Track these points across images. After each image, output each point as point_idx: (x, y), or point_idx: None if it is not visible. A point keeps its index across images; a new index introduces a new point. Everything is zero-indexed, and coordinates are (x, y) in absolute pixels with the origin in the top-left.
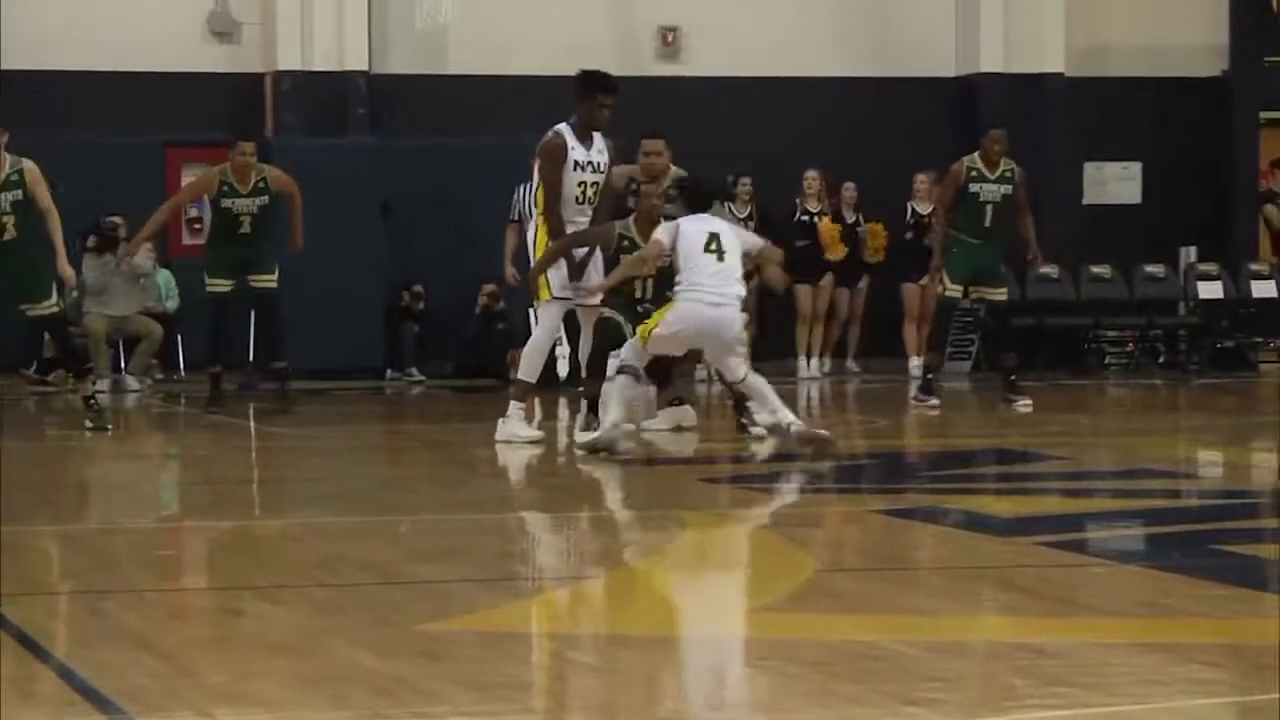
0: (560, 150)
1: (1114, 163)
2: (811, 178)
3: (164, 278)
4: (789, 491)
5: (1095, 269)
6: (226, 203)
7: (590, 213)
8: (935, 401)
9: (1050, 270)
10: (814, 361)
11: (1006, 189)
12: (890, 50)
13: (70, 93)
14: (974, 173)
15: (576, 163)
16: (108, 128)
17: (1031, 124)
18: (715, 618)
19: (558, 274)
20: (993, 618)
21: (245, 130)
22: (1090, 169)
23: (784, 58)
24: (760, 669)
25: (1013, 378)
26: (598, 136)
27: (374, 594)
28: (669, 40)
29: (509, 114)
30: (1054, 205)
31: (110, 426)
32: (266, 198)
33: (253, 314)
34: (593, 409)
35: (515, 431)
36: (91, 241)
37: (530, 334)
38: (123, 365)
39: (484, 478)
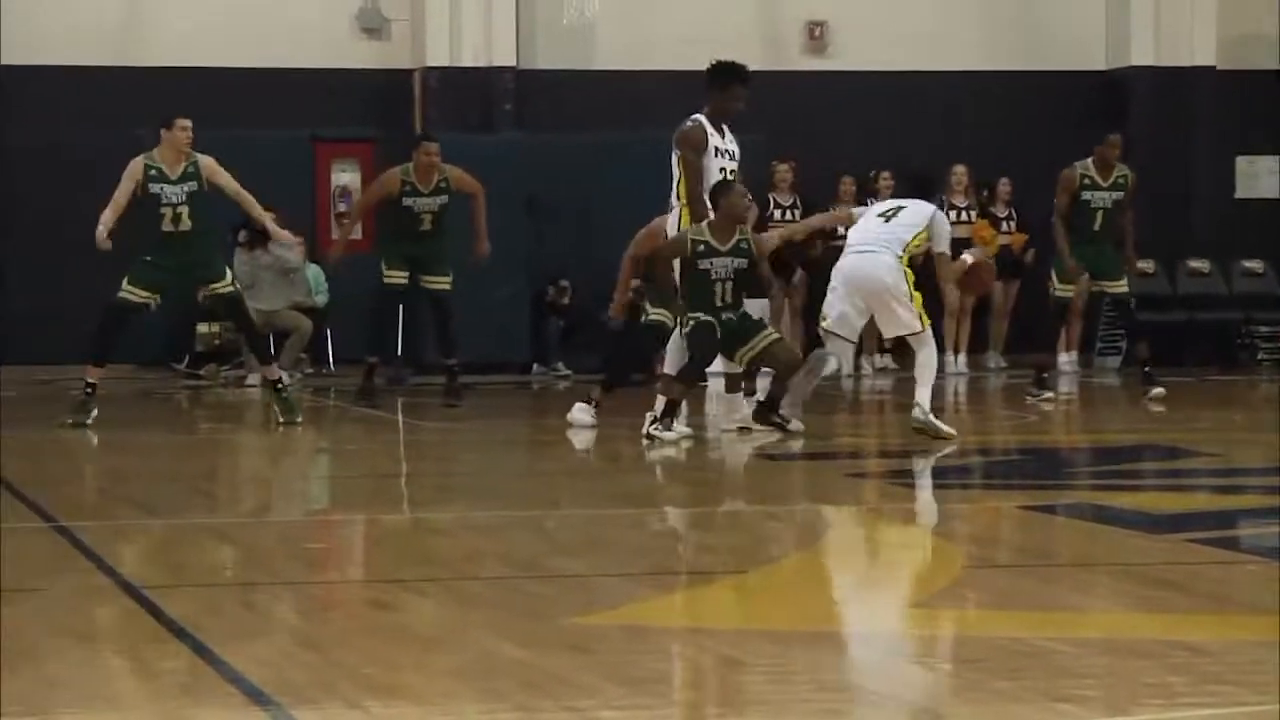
0: (703, 138)
1: (1267, 157)
2: (959, 173)
3: (313, 273)
4: (936, 487)
5: (1247, 264)
6: (409, 201)
7: None
8: (1049, 395)
9: (1201, 265)
10: (960, 357)
11: (1119, 195)
12: (1038, 44)
13: (220, 89)
14: (1087, 180)
15: (717, 149)
16: (257, 123)
17: (1182, 118)
18: (864, 613)
19: None
20: (1145, 615)
21: (428, 131)
22: (1243, 163)
23: (930, 52)
24: (911, 665)
25: (1146, 369)
26: (726, 127)
27: (521, 588)
28: (816, 34)
29: (654, 109)
30: (1205, 200)
31: (300, 419)
32: (446, 197)
33: (430, 312)
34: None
35: (659, 427)
36: (243, 237)
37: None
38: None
39: (629, 472)
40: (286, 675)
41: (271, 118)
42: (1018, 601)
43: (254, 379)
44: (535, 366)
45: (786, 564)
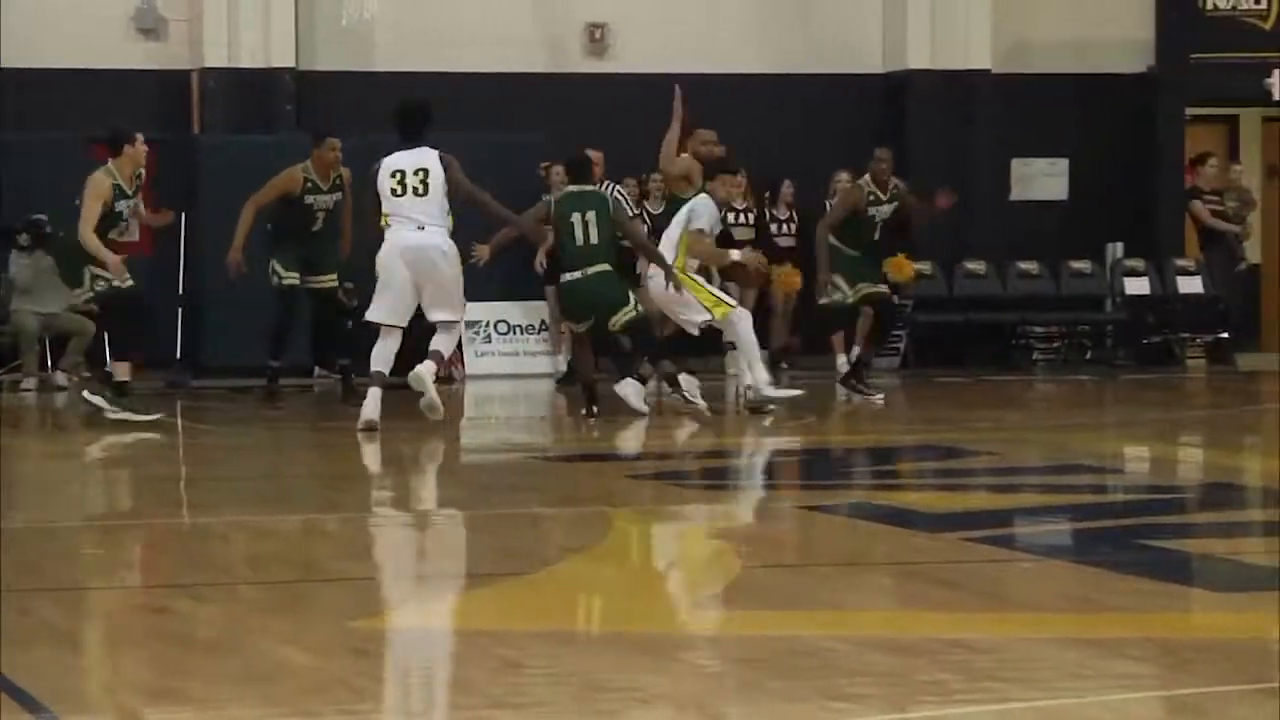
0: None
1: (1040, 159)
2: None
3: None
4: (715, 487)
5: (1022, 265)
6: (309, 199)
7: None
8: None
9: (977, 266)
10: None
11: (894, 206)
12: (818, 47)
13: None
14: (871, 196)
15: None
16: (34, 125)
17: (958, 121)
18: (642, 614)
19: None
20: (921, 613)
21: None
22: (1017, 165)
23: (711, 54)
24: (686, 665)
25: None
26: None
27: (301, 591)
28: (596, 36)
29: (438, 111)
30: (981, 202)
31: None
32: (340, 194)
33: (314, 312)
34: None
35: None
36: (24, 240)
37: None
38: (49, 363)
39: (410, 474)
40: (62, 683)
41: (49, 119)
42: (795, 601)
43: (29, 383)
44: (316, 370)
45: (565, 565)
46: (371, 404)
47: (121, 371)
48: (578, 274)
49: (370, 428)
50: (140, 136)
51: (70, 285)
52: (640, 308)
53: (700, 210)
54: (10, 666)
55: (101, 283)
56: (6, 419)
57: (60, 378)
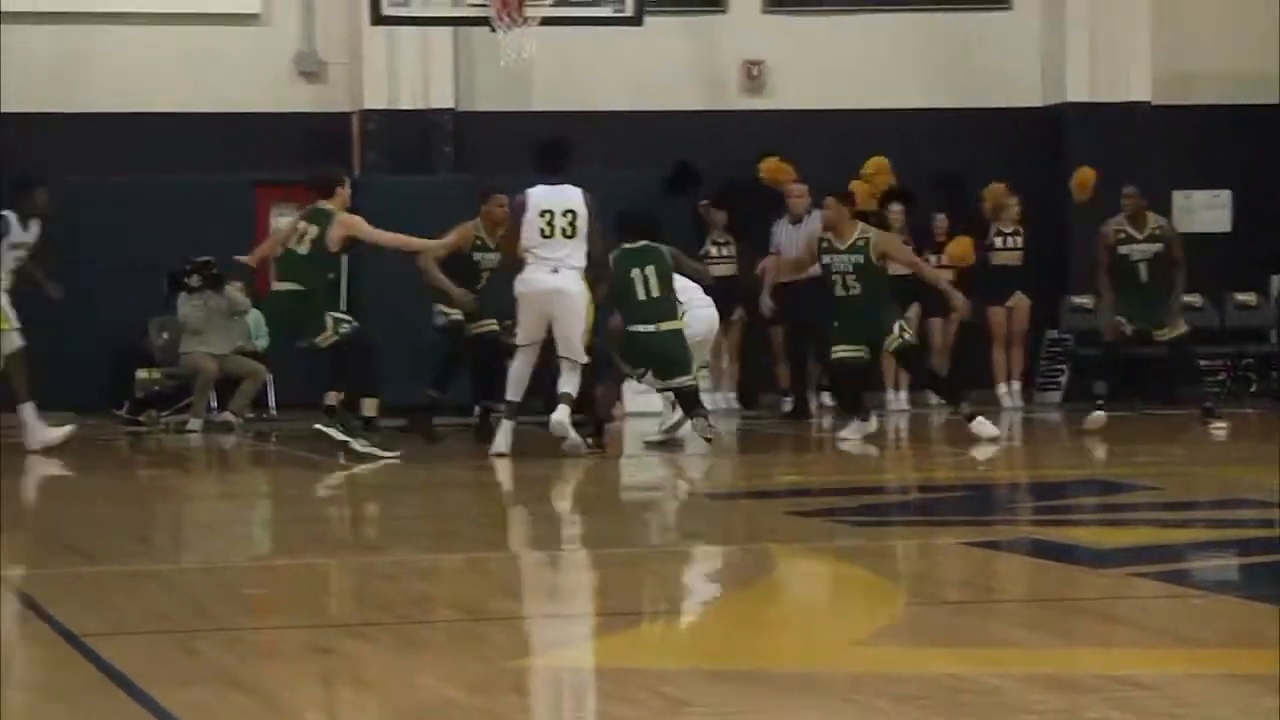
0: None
1: (1203, 191)
2: (895, 211)
3: (254, 318)
4: (876, 524)
5: (1186, 298)
6: (477, 256)
7: None
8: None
9: None
10: (901, 393)
11: (1158, 247)
12: (975, 81)
13: (160, 133)
14: (1121, 234)
15: None
16: (198, 168)
17: (1119, 153)
18: (806, 651)
19: None
20: (1088, 650)
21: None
22: (1179, 197)
23: (867, 91)
24: (853, 704)
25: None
26: None
27: (464, 631)
28: (753, 74)
29: (592, 150)
30: None
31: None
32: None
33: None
34: None
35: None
36: (194, 281)
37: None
38: (214, 404)
39: (572, 512)
40: None
41: (212, 162)
42: (959, 638)
43: (195, 424)
44: (476, 408)
45: (728, 602)
46: (504, 437)
47: (370, 408)
48: (651, 328)
49: (499, 457)
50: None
51: (312, 333)
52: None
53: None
54: (178, 706)
55: (345, 326)
56: (173, 459)
57: (229, 419)
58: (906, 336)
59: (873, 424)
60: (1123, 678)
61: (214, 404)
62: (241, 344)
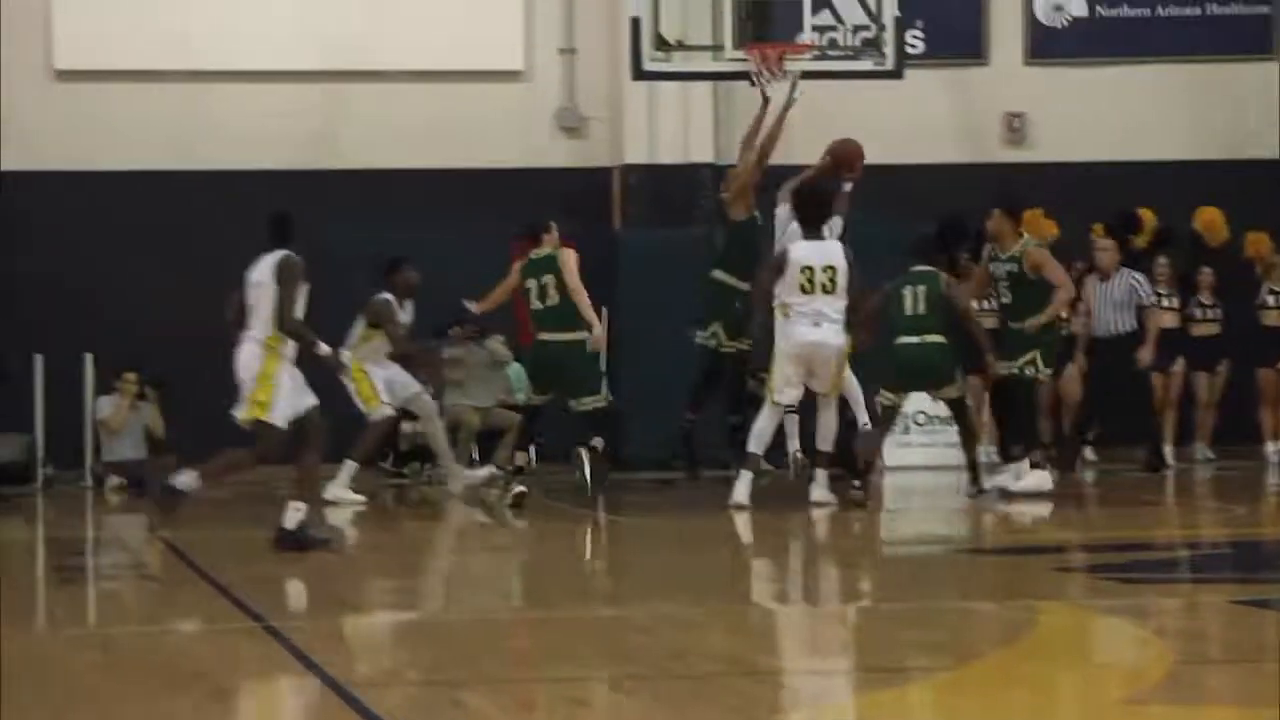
0: None
1: None
2: (1163, 264)
3: (515, 370)
4: (1144, 581)
5: None
6: None
7: None
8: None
9: None
10: (1168, 449)
11: None
12: (1237, 133)
13: (424, 190)
14: None
15: None
16: (459, 224)
17: None
18: (1077, 710)
19: None
20: None
21: None
22: None
23: (1128, 143)
24: None
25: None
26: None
27: (724, 685)
28: (1014, 126)
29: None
30: None
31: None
32: None
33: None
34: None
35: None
36: (456, 333)
37: None
38: (475, 457)
39: (828, 565)
40: None
41: (474, 216)
42: (1229, 697)
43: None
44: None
45: (993, 660)
46: (743, 487)
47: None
48: (915, 339)
49: (739, 509)
50: (554, 224)
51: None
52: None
53: None
54: None
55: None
56: (436, 511)
57: (494, 471)
58: (1036, 369)
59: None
60: None
61: (475, 456)
62: (504, 396)
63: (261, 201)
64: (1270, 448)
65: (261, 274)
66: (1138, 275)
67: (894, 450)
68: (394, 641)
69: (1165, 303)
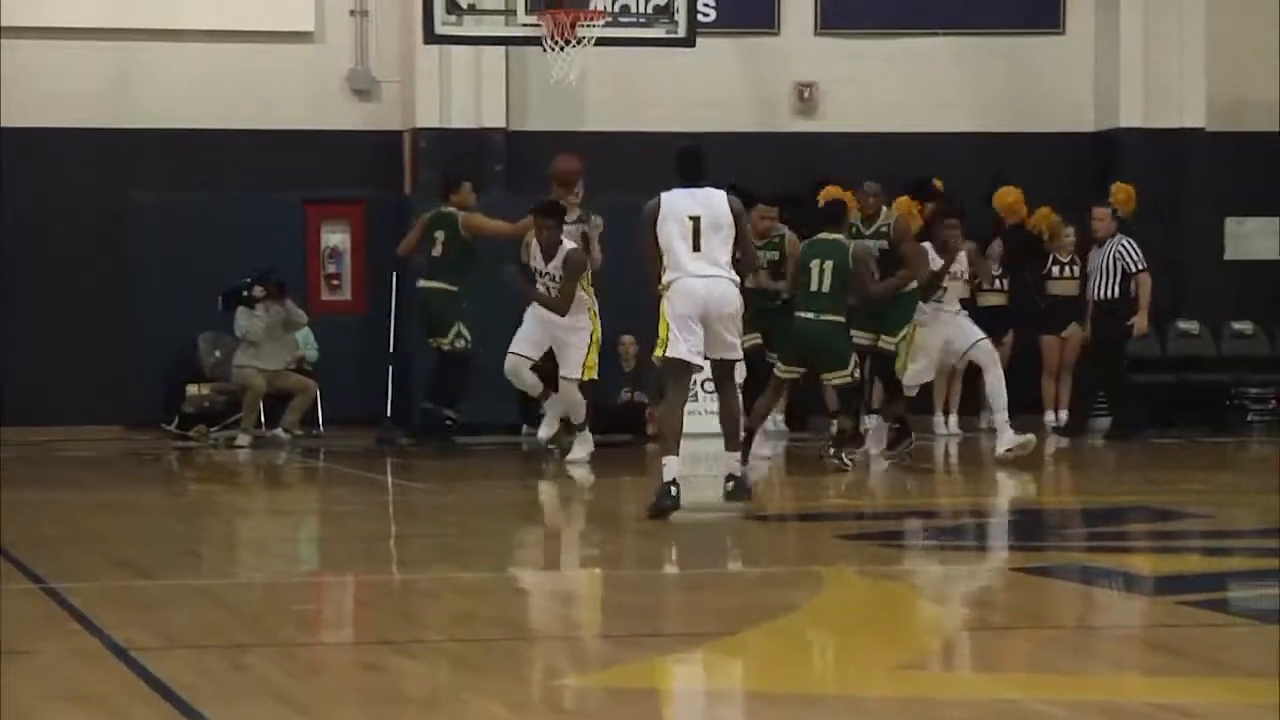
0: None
1: (1255, 218)
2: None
3: (304, 333)
4: (927, 548)
5: (1237, 325)
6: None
7: None
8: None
9: (1190, 326)
10: (951, 418)
11: None
12: (1027, 105)
13: (212, 151)
14: None
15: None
16: (249, 186)
17: (1171, 179)
18: (854, 675)
19: None
20: (1137, 678)
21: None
22: (1231, 224)
23: (919, 113)
24: None
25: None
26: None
27: (509, 650)
28: (805, 96)
29: (644, 170)
30: (1195, 261)
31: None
32: None
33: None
34: None
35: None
36: (259, 292)
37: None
38: (263, 420)
39: (619, 533)
40: None
41: (264, 179)
42: (1009, 664)
43: (244, 440)
44: (524, 428)
45: (775, 626)
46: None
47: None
48: (810, 314)
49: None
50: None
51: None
52: (856, 374)
53: None
54: None
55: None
56: (223, 475)
57: (280, 435)
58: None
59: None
60: (1171, 705)
61: (263, 420)
62: (290, 360)
63: (59, 157)
64: (1049, 417)
65: None
66: (1127, 241)
67: (689, 418)
68: (177, 605)
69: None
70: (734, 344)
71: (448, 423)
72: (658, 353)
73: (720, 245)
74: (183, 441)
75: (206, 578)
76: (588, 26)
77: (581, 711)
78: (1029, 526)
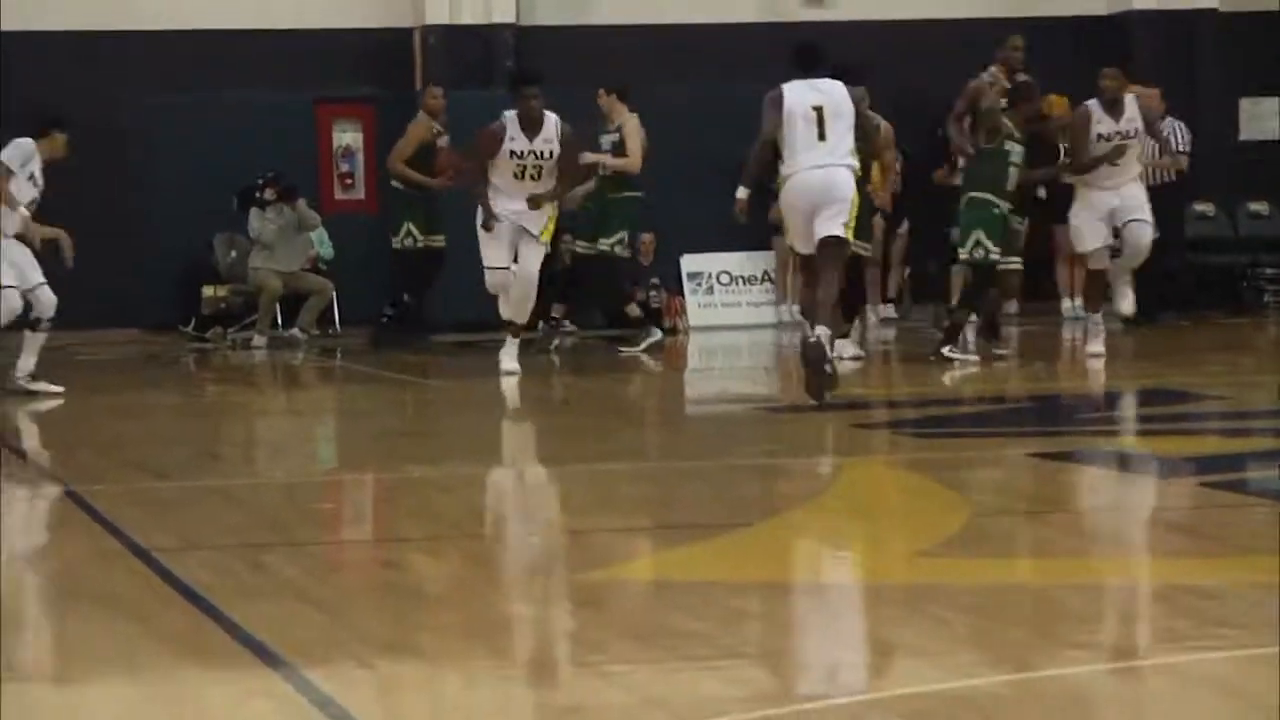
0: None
1: (1270, 98)
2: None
3: (319, 233)
4: (944, 435)
5: (1253, 206)
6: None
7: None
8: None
9: (1206, 208)
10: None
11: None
12: None
13: (220, 51)
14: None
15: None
16: (258, 85)
17: (1185, 60)
18: (869, 563)
19: None
20: (1152, 560)
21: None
22: (1246, 104)
23: (928, 0)
24: (917, 613)
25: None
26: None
27: (528, 544)
28: None
29: (654, 63)
30: (1209, 142)
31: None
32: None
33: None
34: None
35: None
36: (269, 195)
37: None
38: (279, 321)
39: (634, 426)
40: (297, 635)
41: (273, 79)
42: (1025, 549)
43: (259, 340)
44: (540, 324)
45: (792, 516)
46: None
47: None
48: None
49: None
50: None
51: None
52: None
53: None
54: (247, 619)
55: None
56: (239, 376)
57: (297, 335)
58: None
59: None
60: (1186, 586)
61: (279, 320)
62: (306, 261)
63: (59, 61)
64: (1067, 304)
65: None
66: (1180, 124)
67: (697, 310)
68: (196, 506)
69: None
70: (840, 224)
71: (383, 318)
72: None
73: (843, 133)
74: (199, 343)
75: (224, 479)
76: None
77: (601, 604)
78: (1045, 412)
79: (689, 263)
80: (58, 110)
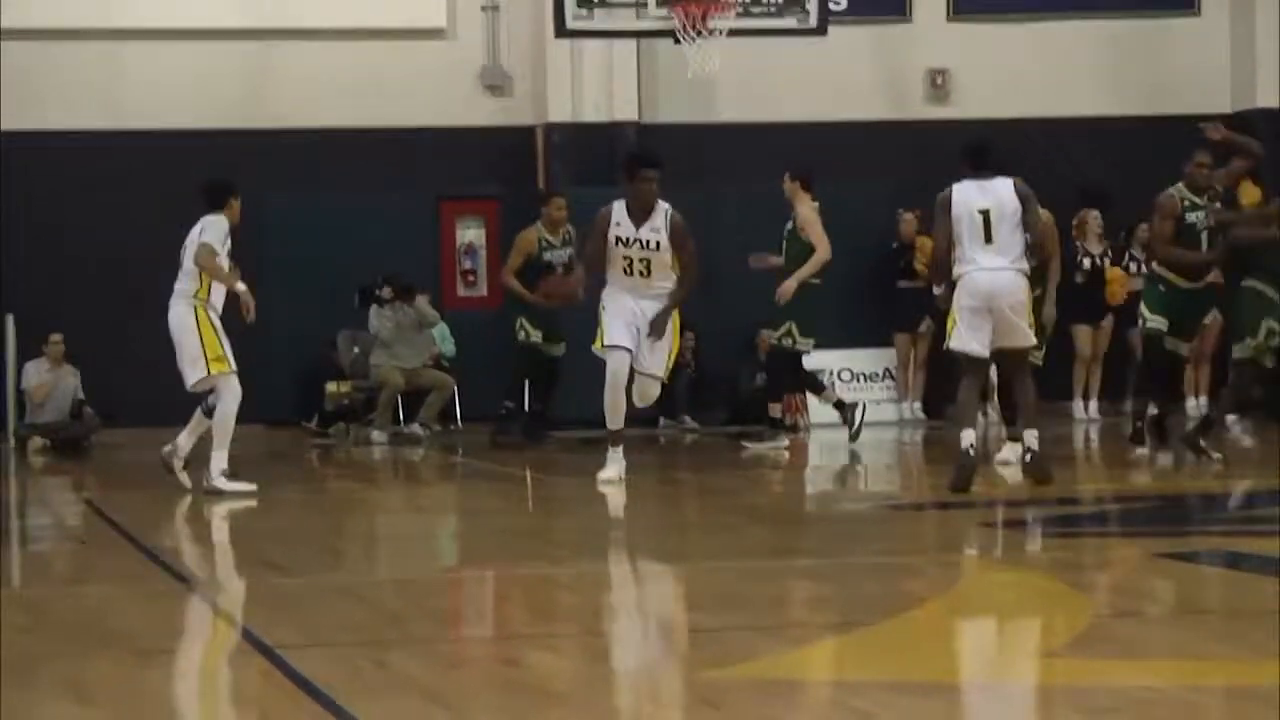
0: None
1: None
2: (1093, 218)
3: (440, 330)
4: (1068, 535)
5: None
6: (547, 255)
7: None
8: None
9: None
10: (1091, 404)
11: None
12: (1161, 87)
13: (346, 149)
14: (1187, 202)
15: (619, 239)
16: (382, 184)
17: None
18: (996, 664)
19: None
20: None
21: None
22: None
23: (1053, 97)
24: (1043, 715)
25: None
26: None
27: (651, 642)
28: (938, 83)
29: (777, 160)
30: None
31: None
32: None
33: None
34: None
35: None
36: (386, 294)
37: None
38: (400, 417)
39: (758, 523)
40: None
41: (397, 177)
42: (1152, 650)
43: (380, 436)
44: (662, 420)
45: (918, 615)
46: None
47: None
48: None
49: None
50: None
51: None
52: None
53: None
54: (371, 717)
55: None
56: (361, 472)
57: (418, 431)
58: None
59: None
60: None
61: (400, 416)
62: (428, 357)
63: (188, 160)
64: (1191, 403)
65: (193, 235)
66: None
67: (818, 407)
68: (319, 603)
69: (1099, 262)
70: (1024, 331)
71: (502, 412)
72: (947, 343)
73: (1009, 234)
74: (322, 439)
75: (347, 575)
76: (720, 18)
77: (724, 704)
78: (1171, 512)
79: (810, 359)
80: (228, 179)
